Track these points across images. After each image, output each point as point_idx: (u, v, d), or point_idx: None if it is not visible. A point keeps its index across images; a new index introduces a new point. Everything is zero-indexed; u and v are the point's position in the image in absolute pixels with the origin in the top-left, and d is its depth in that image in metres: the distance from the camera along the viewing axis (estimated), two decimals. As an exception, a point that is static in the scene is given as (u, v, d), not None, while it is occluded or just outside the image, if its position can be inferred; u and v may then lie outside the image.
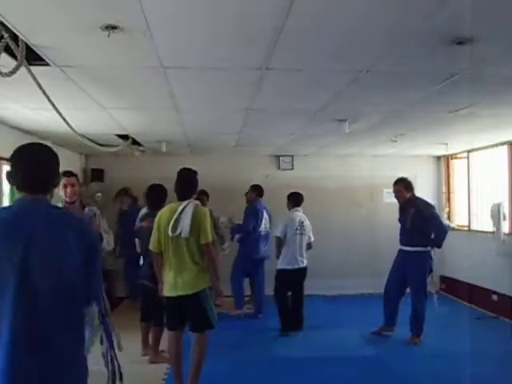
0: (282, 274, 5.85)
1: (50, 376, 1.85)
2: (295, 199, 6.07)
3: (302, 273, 5.84)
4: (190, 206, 3.87)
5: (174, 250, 3.83)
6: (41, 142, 2.30)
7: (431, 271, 5.66)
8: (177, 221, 3.78)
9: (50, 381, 1.86)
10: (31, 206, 2.00)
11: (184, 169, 4.13)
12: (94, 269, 2.02)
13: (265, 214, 6.76)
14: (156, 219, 3.95)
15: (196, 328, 3.94)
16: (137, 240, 5.10)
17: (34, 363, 1.81)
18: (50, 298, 1.85)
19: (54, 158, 2.08)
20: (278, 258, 5.88)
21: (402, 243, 5.64)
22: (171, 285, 3.87)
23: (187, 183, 4.02)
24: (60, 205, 3.99)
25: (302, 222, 5.91)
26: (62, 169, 2.23)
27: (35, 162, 2.04)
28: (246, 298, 6.98)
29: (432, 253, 5.63)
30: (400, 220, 5.72)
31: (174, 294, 3.87)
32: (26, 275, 1.82)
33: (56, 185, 2.21)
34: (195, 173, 4.13)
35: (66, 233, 1.95)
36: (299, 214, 5.98)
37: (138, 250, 5.08)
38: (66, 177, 4.11)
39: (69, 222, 2.04)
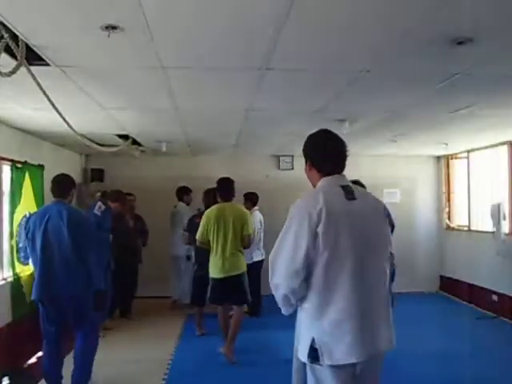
0: (255, 266, 6.36)
1: (58, 282, 3.78)
2: (254, 199, 6.71)
3: (261, 263, 6.47)
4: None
5: (223, 239, 4.87)
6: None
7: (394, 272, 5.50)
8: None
9: (58, 285, 3.77)
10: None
11: (226, 178, 5.18)
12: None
13: None
14: (205, 216, 4.99)
15: (238, 302, 5.02)
16: (186, 233, 5.96)
17: (50, 277, 3.80)
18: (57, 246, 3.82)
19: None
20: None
21: None
22: (220, 268, 4.87)
23: (231, 189, 5.11)
24: None
25: (261, 220, 6.64)
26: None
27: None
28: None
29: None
30: None
31: (223, 276, 4.87)
32: (46, 237, 3.81)
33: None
34: (233, 181, 5.18)
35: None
36: (258, 212, 6.68)
37: (185, 242, 6.09)
38: None
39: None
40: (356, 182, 5.61)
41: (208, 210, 5.08)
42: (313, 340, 2.12)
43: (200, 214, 5.48)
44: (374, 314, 2.18)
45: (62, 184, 4.09)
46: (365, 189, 5.48)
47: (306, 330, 2.18)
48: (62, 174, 4.20)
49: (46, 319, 3.88)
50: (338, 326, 2.10)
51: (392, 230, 5.70)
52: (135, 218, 6.79)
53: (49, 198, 5.87)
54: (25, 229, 4.02)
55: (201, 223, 5.04)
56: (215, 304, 5.06)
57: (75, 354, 3.99)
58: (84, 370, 3.96)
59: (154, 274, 7.02)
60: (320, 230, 2.09)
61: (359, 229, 2.18)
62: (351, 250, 2.13)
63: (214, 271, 4.96)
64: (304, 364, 2.21)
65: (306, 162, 2.36)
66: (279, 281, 2.16)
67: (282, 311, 2.31)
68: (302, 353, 2.18)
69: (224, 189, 5.11)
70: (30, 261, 4.03)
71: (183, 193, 7.06)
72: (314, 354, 2.11)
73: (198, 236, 5.05)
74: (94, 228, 5.71)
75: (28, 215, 4.89)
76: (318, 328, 2.12)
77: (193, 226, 5.62)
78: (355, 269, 2.12)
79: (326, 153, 2.33)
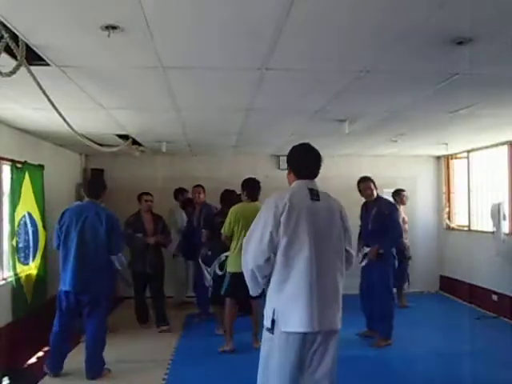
0: None
1: (89, 277, 4.18)
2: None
3: None
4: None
5: None
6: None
7: (394, 272, 5.48)
8: None
9: (89, 280, 4.18)
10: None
11: (252, 178, 5.35)
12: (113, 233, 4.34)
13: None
14: (233, 213, 5.12)
15: (256, 296, 5.06)
16: (206, 231, 5.98)
17: (83, 272, 4.18)
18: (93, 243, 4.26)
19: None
20: None
21: (365, 245, 5.49)
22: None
23: (258, 189, 5.29)
24: None
25: None
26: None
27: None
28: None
29: (395, 252, 5.49)
30: (361, 220, 5.63)
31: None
32: (82, 235, 4.22)
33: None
34: (259, 181, 5.34)
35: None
36: None
37: (204, 239, 6.02)
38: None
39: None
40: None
41: (235, 207, 5.23)
42: (274, 310, 2.62)
43: (218, 213, 5.77)
44: (325, 294, 2.65)
45: (95, 185, 4.56)
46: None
47: (270, 302, 2.68)
48: (96, 177, 4.83)
49: (65, 308, 4.24)
50: (293, 299, 2.59)
51: (396, 227, 5.56)
52: (155, 219, 6.23)
53: (49, 198, 5.93)
54: (59, 222, 4.36)
55: (227, 219, 5.17)
56: (230, 297, 5.12)
57: (87, 343, 4.31)
58: (97, 356, 4.30)
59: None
60: (282, 219, 2.61)
61: (317, 223, 2.68)
62: (308, 238, 2.62)
63: (237, 266, 4.97)
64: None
65: (287, 167, 2.96)
66: (249, 257, 2.67)
67: (250, 291, 2.80)
68: (266, 321, 2.67)
69: (251, 188, 5.28)
70: (60, 253, 4.33)
71: (178, 193, 7.18)
72: (273, 324, 2.61)
73: (225, 231, 5.19)
74: None
75: (35, 215, 5.30)
76: (278, 300, 2.63)
77: (213, 224, 5.79)
78: (311, 254, 2.61)
79: (303, 162, 2.88)
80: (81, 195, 7.35)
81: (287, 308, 2.60)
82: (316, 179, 2.86)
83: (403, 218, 6.97)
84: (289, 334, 2.58)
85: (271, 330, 2.62)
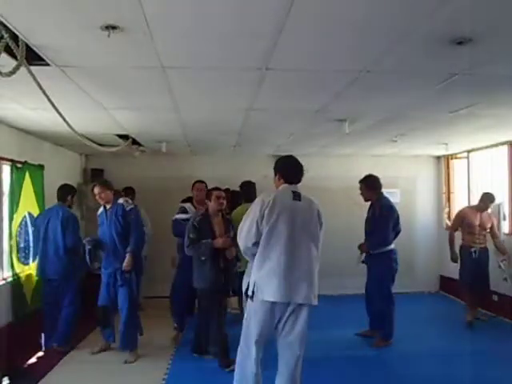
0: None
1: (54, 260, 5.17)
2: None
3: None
4: None
5: None
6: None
7: (395, 272, 5.36)
8: None
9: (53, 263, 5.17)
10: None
11: (249, 181, 5.77)
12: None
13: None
14: (237, 217, 5.09)
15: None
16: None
17: (49, 264, 5.19)
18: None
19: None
20: None
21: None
22: None
23: (255, 191, 5.59)
24: None
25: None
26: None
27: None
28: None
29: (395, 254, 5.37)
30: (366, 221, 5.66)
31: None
32: (47, 232, 5.19)
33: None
34: (255, 183, 5.73)
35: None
36: None
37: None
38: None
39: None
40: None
41: (238, 210, 5.27)
42: (254, 283, 3.29)
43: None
44: (295, 275, 3.25)
45: (62, 190, 5.37)
46: None
47: (252, 276, 3.35)
48: (64, 184, 5.45)
49: (47, 289, 5.20)
50: (269, 276, 3.25)
51: (382, 232, 5.57)
52: (225, 222, 4.95)
53: (49, 198, 5.93)
54: (33, 225, 5.36)
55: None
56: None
57: (61, 318, 5.11)
58: (66, 328, 5.12)
59: (158, 273, 7.02)
60: (265, 212, 3.28)
61: (295, 218, 3.33)
62: (286, 230, 3.26)
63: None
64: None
65: (275, 174, 3.57)
66: (241, 241, 3.39)
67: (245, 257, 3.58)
68: (249, 291, 3.33)
69: (249, 191, 5.62)
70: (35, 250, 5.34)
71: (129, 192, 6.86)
72: (252, 293, 3.29)
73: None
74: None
75: (36, 215, 5.60)
76: (258, 276, 3.29)
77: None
78: (286, 243, 3.26)
79: (289, 170, 3.55)
80: (81, 195, 7.41)
81: (264, 282, 3.26)
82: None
83: (480, 223, 6.11)
84: (263, 302, 3.25)
85: (251, 298, 3.29)
